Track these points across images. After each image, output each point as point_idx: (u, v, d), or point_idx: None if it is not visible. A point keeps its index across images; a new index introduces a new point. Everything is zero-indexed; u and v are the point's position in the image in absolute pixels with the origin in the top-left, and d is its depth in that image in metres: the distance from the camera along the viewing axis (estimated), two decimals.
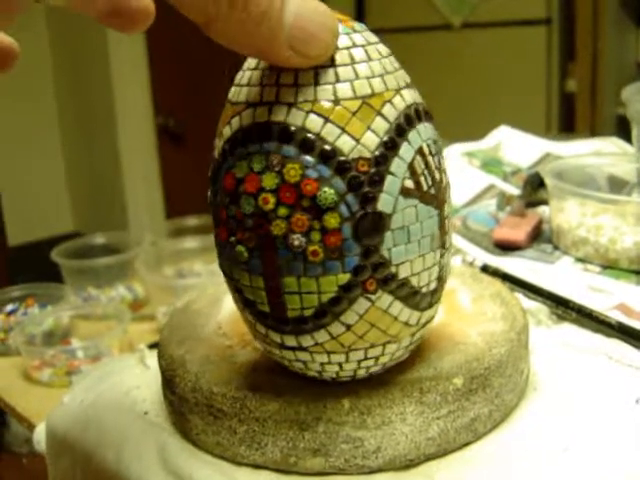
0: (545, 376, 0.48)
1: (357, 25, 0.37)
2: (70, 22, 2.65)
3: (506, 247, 0.73)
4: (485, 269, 0.64)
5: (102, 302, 1.17)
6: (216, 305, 0.51)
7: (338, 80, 0.36)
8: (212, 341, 0.46)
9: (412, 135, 0.36)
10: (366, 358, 0.38)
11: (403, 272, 0.37)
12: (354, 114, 0.35)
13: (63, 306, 1.13)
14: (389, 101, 0.36)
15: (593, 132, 2.51)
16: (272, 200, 0.35)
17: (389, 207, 0.36)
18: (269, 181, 0.35)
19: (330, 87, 0.36)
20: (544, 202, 0.82)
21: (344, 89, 0.36)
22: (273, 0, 0.31)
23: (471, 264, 0.66)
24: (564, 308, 0.58)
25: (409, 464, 0.40)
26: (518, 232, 0.73)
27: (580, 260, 0.69)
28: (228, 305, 0.51)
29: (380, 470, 0.39)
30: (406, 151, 0.36)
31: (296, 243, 0.35)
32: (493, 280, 0.53)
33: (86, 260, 1.24)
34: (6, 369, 1.05)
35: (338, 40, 0.36)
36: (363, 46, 0.37)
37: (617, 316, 0.56)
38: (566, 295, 0.59)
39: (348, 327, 0.37)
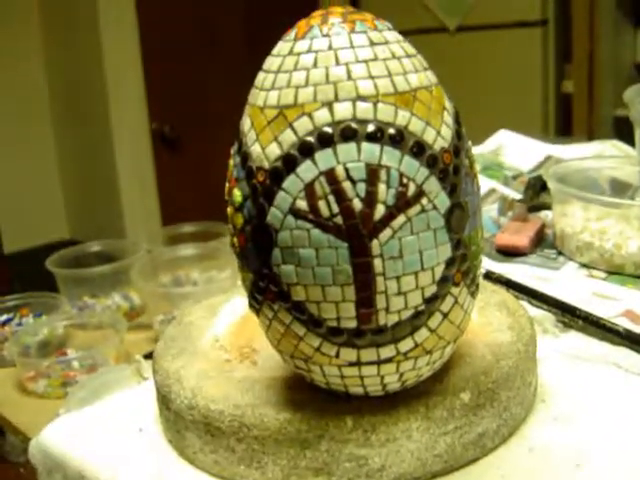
0: (553, 387, 0.47)
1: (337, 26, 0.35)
2: (66, 25, 2.64)
3: (509, 253, 0.71)
4: (488, 276, 0.62)
5: (97, 311, 1.16)
6: (212, 317, 0.49)
7: (273, 87, 0.35)
8: (209, 355, 0.44)
9: (322, 154, 0.33)
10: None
11: (296, 294, 0.35)
12: (269, 123, 0.35)
13: (58, 316, 1.12)
14: (308, 114, 0.34)
15: (590, 134, 2.50)
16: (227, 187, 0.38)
17: (277, 223, 0.34)
18: (232, 172, 0.38)
19: (264, 93, 0.35)
20: (546, 206, 0.80)
21: (272, 96, 0.35)
22: None
23: None
24: (570, 316, 0.56)
25: None
26: (521, 238, 0.71)
27: (585, 266, 0.68)
28: (225, 317, 0.49)
29: None
30: (306, 170, 0.34)
31: (230, 231, 0.38)
32: (497, 288, 0.52)
33: (81, 269, 1.23)
34: (1, 380, 1.03)
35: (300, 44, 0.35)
36: (316, 52, 0.34)
37: (624, 323, 0.55)
38: (572, 302, 0.57)
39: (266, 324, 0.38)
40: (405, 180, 0.33)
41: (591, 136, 2.15)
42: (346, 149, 0.33)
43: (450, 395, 0.38)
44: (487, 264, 0.68)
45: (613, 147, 0.97)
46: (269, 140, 0.34)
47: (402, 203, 0.34)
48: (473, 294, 0.38)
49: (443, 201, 0.35)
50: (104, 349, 1.01)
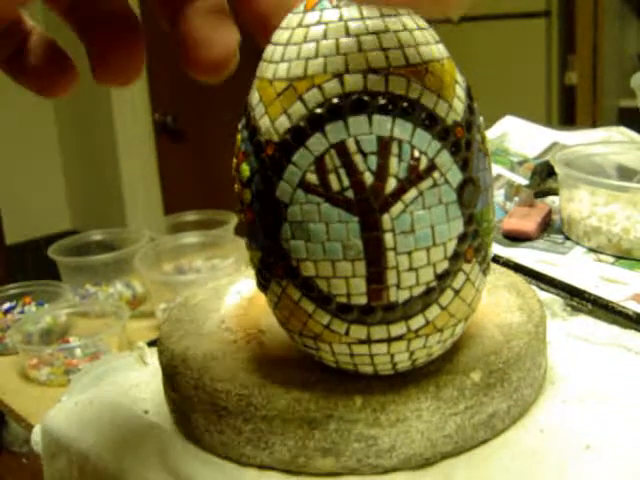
0: (562, 370, 0.46)
1: None
2: None
3: (516, 238, 0.71)
4: (496, 260, 0.62)
5: (100, 299, 1.15)
6: (218, 299, 0.49)
7: (283, 59, 0.34)
8: (215, 336, 0.44)
9: (332, 127, 0.33)
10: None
11: (305, 270, 0.35)
12: (278, 95, 0.34)
13: (60, 304, 1.12)
14: (318, 86, 0.33)
15: (594, 125, 2.49)
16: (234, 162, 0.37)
17: (286, 197, 0.34)
18: (239, 147, 0.37)
19: (274, 66, 0.35)
20: (553, 192, 0.80)
21: (281, 69, 0.34)
22: None
23: None
24: (579, 299, 0.56)
25: (425, 463, 0.38)
26: (528, 222, 0.71)
27: (592, 250, 0.67)
28: (231, 299, 0.49)
29: (395, 470, 0.37)
30: (316, 143, 0.33)
31: (238, 208, 0.37)
32: (506, 270, 0.51)
33: (83, 257, 1.22)
34: (3, 368, 1.03)
35: (309, 16, 0.34)
36: (326, 23, 0.34)
37: (634, 307, 0.54)
38: (580, 286, 0.57)
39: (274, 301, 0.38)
40: (417, 153, 0.33)
41: (595, 127, 2.14)
42: (357, 121, 0.32)
43: (460, 374, 0.38)
44: (494, 248, 0.68)
45: (620, 133, 0.97)
46: (278, 113, 0.34)
47: (414, 176, 0.33)
48: (485, 272, 0.37)
49: (455, 175, 0.34)
50: (106, 337, 1.01)
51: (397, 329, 0.35)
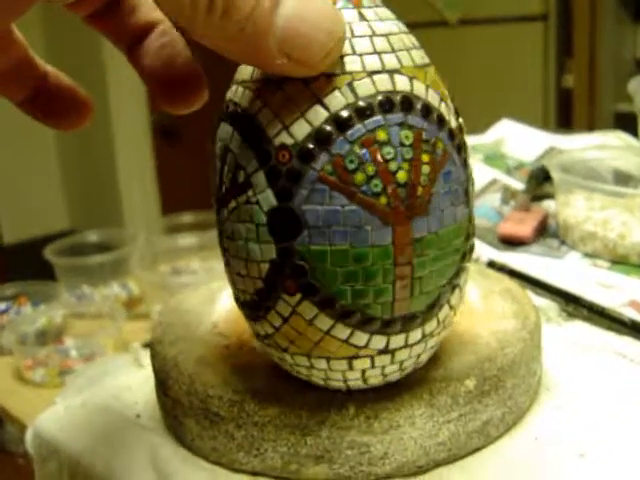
0: (557, 376, 0.46)
1: None
2: (66, 19, 2.63)
3: (512, 242, 0.71)
4: (491, 265, 0.62)
5: (96, 300, 1.15)
6: (210, 303, 0.49)
7: None
8: (207, 341, 0.44)
9: (219, 127, 0.37)
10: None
11: None
12: None
13: (56, 305, 1.11)
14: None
15: (591, 128, 2.49)
16: None
17: None
18: None
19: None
20: (549, 196, 0.80)
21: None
22: (259, 1, 0.27)
23: (476, 260, 0.64)
24: (575, 305, 0.55)
25: (418, 470, 0.37)
26: (524, 227, 0.71)
27: (588, 255, 0.67)
28: (224, 303, 0.48)
29: (388, 477, 0.37)
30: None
31: None
32: (501, 276, 0.51)
33: (80, 258, 1.22)
34: None
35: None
36: None
37: (630, 313, 0.54)
38: (576, 292, 0.57)
39: None
40: (238, 166, 0.34)
41: (591, 131, 2.14)
42: (223, 127, 0.35)
43: (454, 382, 0.37)
44: (490, 253, 0.68)
45: (617, 138, 0.97)
46: None
47: (233, 188, 0.34)
48: (354, 324, 0.34)
49: (267, 200, 0.32)
50: (102, 338, 1.01)
51: (258, 328, 0.37)
